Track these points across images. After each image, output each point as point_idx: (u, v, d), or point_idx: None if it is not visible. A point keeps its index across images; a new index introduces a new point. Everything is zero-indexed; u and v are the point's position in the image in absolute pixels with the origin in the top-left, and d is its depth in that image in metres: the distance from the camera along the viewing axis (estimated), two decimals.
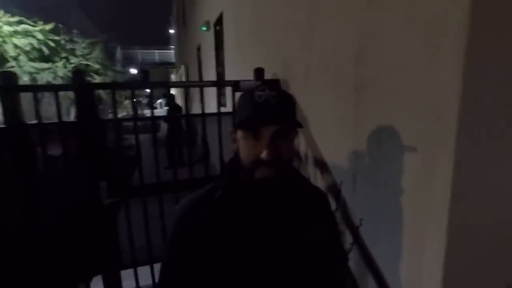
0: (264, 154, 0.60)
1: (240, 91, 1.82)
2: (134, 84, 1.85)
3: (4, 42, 5.50)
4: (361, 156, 1.25)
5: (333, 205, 1.46)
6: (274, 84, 1.96)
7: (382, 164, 1.13)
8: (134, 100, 1.79)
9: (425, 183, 0.93)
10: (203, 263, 0.65)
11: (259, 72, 1.93)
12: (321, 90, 1.55)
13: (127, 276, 1.93)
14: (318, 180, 1.63)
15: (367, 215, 1.25)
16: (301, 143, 1.81)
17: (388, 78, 1.07)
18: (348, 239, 1.37)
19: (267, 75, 2.03)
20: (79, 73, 1.60)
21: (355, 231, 1.31)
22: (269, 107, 0.61)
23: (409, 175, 1.00)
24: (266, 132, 0.61)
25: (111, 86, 1.74)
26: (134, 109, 1.74)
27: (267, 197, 0.68)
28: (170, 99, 5.95)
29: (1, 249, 1.35)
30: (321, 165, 1.59)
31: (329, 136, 1.52)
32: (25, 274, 1.58)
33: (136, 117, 1.72)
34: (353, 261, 1.34)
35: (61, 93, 1.60)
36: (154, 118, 1.78)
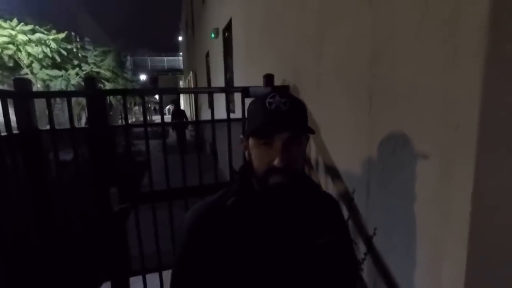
0: (277, 162, 0.60)
1: (249, 97, 1.81)
2: (144, 91, 1.86)
3: (19, 50, 5.65)
4: (374, 163, 1.23)
5: (345, 213, 1.43)
6: (284, 90, 1.95)
7: (397, 172, 1.10)
8: (150, 106, 1.80)
9: (443, 193, 0.90)
10: (214, 271, 0.64)
11: (268, 78, 1.93)
12: (333, 96, 1.53)
13: (135, 283, 1.92)
14: (330, 188, 1.60)
15: (381, 224, 1.21)
16: (312, 150, 1.78)
17: (402, 83, 1.04)
18: (361, 248, 1.33)
19: (277, 81, 2.02)
20: (91, 80, 1.62)
21: (368, 241, 1.27)
22: (281, 113, 0.60)
23: (425, 184, 0.97)
24: (278, 139, 0.60)
25: (122, 92, 1.75)
26: (144, 115, 1.75)
27: (280, 204, 0.67)
28: (175, 105, 6.02)
29: (13, 253, 1.35)
30: (333, 172, 1.56)
31: (342, 143, 1.49)
32: (36, 278, 1.59)
33: (146, 123, 1.73)
34: (367, 272, 1.31)
35: (72, 100, 1.62)
36: (164, 124, 1.78)
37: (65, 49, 6.28)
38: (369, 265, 1.28)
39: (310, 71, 1.74)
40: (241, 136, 0.70)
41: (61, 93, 2.63)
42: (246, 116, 0.69)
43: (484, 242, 0.83)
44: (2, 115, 1.38)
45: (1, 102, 1.37)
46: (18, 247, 1.43)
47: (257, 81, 2.22)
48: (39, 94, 1.64)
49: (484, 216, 0.82)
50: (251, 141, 0.65)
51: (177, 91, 1.78)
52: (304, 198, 0.70)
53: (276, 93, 0.63)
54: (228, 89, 1.92)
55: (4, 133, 1.37)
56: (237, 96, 2.01)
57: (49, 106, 1.57)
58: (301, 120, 0.64)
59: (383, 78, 1.14)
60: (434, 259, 0.96)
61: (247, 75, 3.51)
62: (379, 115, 1.18)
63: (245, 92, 1.85)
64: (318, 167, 1.72)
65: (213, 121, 1.85)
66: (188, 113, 14.56)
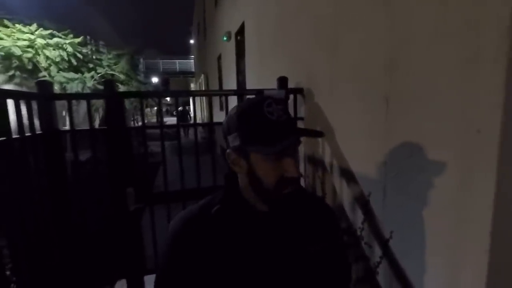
0: (290, 174, 0.59)
1: None
2: (160, 93, 1.90)
3: (37, 54, 5.82)
4: (391, 167, 1.22)
5: (361, 216, 1.42)
6: (278, 97, 1.95)
7: (414, 175, 1.09)
8: (162, 108, 1.84)
9: (462, 199, 0.89)
10: (198, 279, 0.63)
11: (282, 80, 1.93)
12: (348, 99, 1.52)
13: (150, 281, 1.95)
14: (345, 191, 1.60)
15: (397, 227, 1.20)
16: (326, 154, 1.78)
17: (420, 86, 1.03)
18: (376, 251, 1.32)
19: (291, 84, 2.02)
20: (109, 83, 1.67)
21: (384, 244, 1.26)
22: (284, 124, 0.59)
23: (444, 189, 0.96)
24: (287, 151, 0.60)
25: (140, 95, 1.79)
26: (161, 116, 1.79)
27: (290, 211, 0.66)
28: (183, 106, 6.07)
29: (30, 250, 1.40)
30: (348, 176, 1.55)
31: (357, 146, 1.48)
32: (53, 274, 1.63)
33: (162, 125, 1.76)
34: (383, 275, 1.29)
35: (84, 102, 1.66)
36: (179, 126, 1.81)
37: (80, 52, 6.43)
38: (385, 269, 1.27)
39: (324, 74, 1.74)
40: (228, 150, 0.64)
41: (81, 95, 2.70)
42: (238, 124, 0.62)
43: (506, 251, 0.82)
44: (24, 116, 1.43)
45: (26, 104, 1.42)
46: (38, 244, 1.47)
47: (269, 84, 2.23)
48: (60, 96, 1.69)
49: (506, 224, 0.80)
50: (253, 155, 0.60)
51: (191, 94, 1.81)
52: (300, 205, 0.69)
53: (271, 100, 0.60)
54: (242, 91, 1.94)
55: (28, 134, 1.42)
56: None
57: (70, 108, 1.61)
58: (296, 126, 0.64)
59: (400, 81, 1.13)
60: (452, 267, 0.94)
61: (259, 77, 3.53)
62: (396, 118, 1.17)
63: (259, 95, 1.86)
64: (333, 170, 1.72)
65: (211, 124, 1.88)
66: (199, 116, 14.65)
